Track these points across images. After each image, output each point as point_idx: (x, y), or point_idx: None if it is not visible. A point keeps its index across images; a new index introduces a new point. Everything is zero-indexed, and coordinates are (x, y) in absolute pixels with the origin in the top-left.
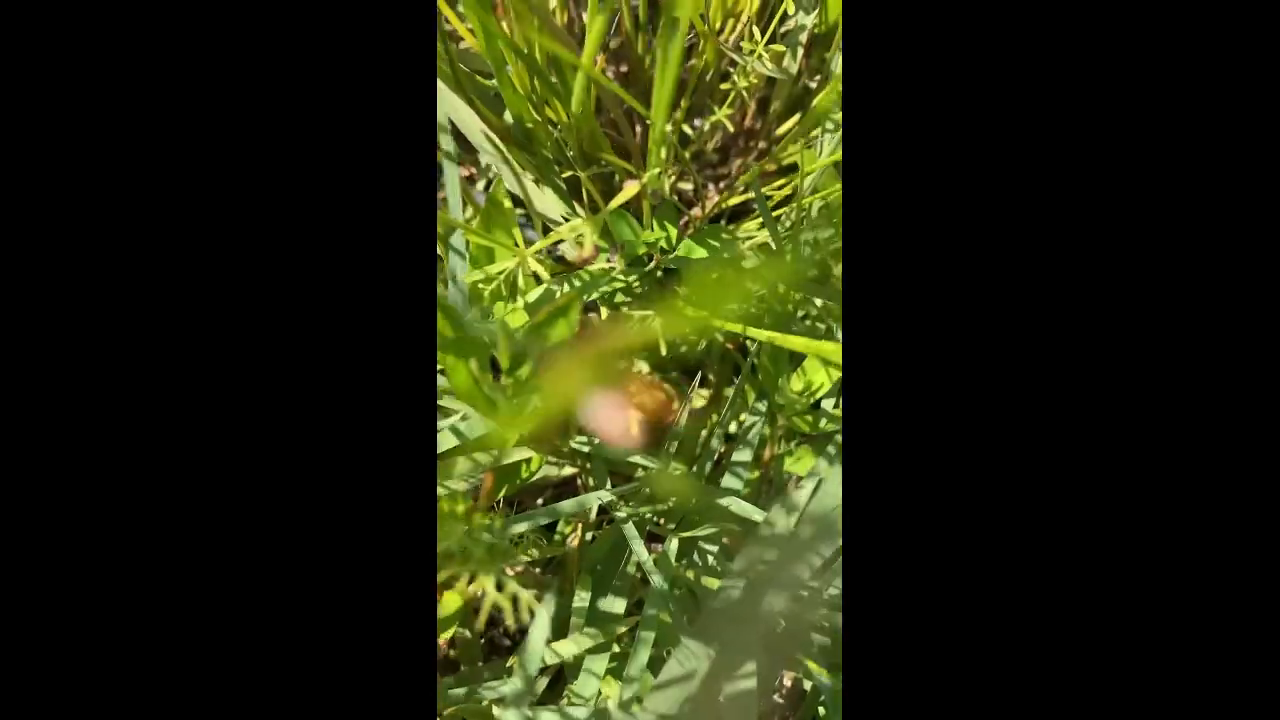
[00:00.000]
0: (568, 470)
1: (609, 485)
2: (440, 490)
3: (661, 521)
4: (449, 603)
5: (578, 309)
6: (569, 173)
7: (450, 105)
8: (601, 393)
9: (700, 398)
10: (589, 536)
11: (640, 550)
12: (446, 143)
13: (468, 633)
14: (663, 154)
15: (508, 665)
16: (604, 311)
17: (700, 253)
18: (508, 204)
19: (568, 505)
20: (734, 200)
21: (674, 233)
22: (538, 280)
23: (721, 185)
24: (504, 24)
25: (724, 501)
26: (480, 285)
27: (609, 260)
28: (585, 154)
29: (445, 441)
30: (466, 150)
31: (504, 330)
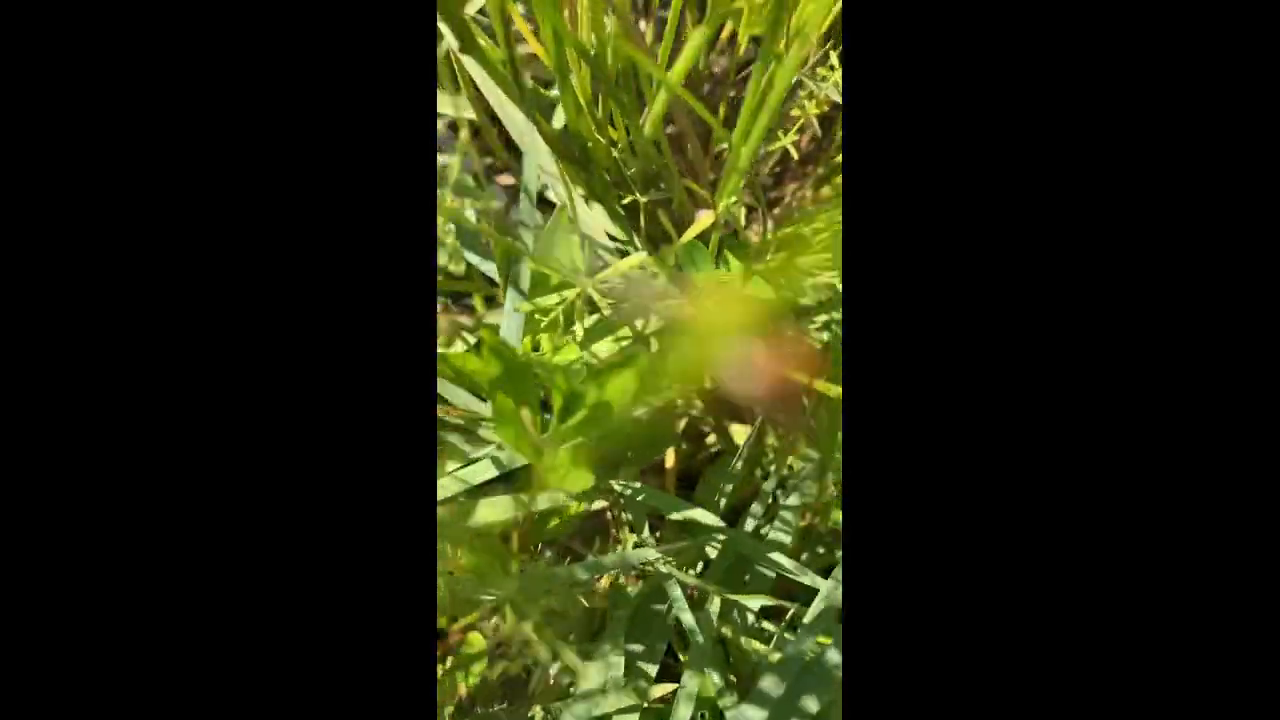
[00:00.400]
0: (597, 504)
1: (647, 531)
2: (475, 526)
3: (701, 573)
4: (473, 642)
5: (642, 363)
6: (630, 197)
7: (509, 116)
8: (748, 338)
9: (739, 433)
10: (619, 578)
11: (686, 615)
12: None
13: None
14: (740, 184)
15: (529, 714)
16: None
17: (769, 293)
18: (572, 229)
19: (611, 560)
20: (791, 230)
21: (740, 269)
22: (592, 308)
23: (776, 211)
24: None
25: (776, 558)
26: (537, 316)
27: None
28: (645, 176)
29: (484, 472)
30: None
31: (561, 373)
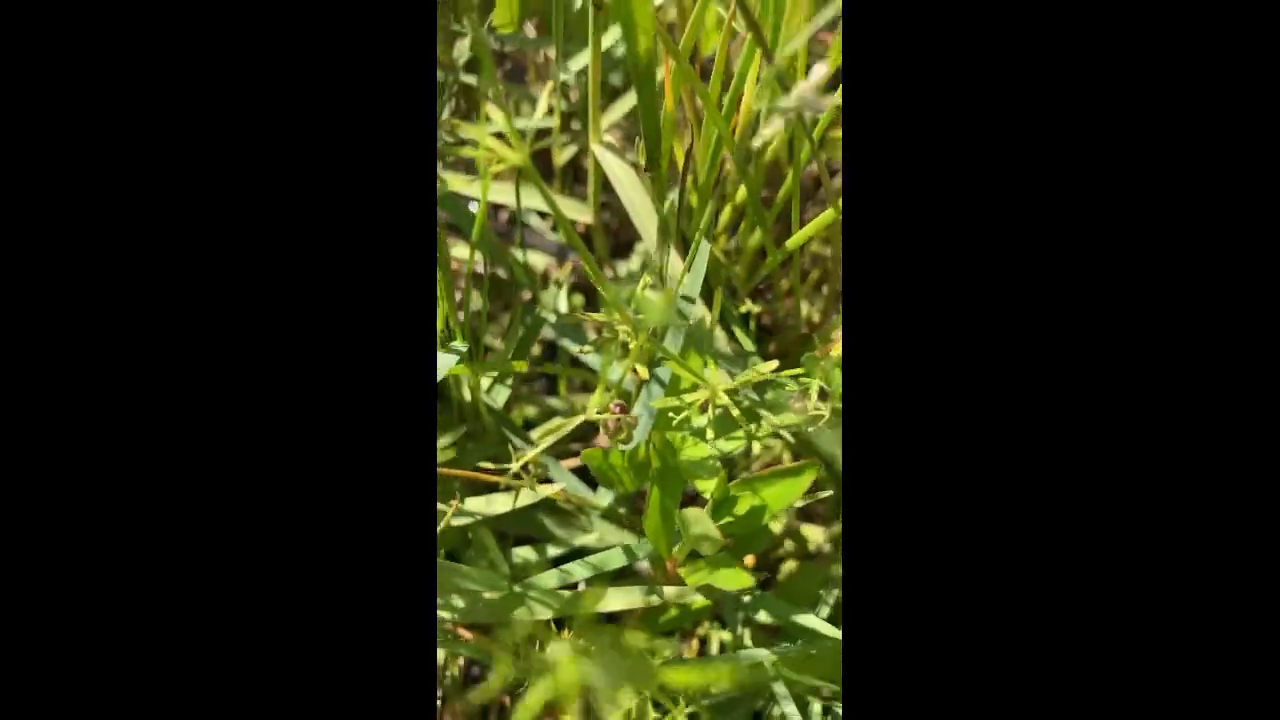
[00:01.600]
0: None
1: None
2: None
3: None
4: None
5: (813, 474)
6: (745, 306)
7: (638, 214)
8: None
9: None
10: None
11: (793, 711)
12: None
13: None
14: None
15: None
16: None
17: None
18: (709, 336)
19: (731, 663)
20: None
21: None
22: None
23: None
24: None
25: None
26: (670, 415)
27: (817, 406)
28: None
29: (613, 560)
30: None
31: (706, 473)
